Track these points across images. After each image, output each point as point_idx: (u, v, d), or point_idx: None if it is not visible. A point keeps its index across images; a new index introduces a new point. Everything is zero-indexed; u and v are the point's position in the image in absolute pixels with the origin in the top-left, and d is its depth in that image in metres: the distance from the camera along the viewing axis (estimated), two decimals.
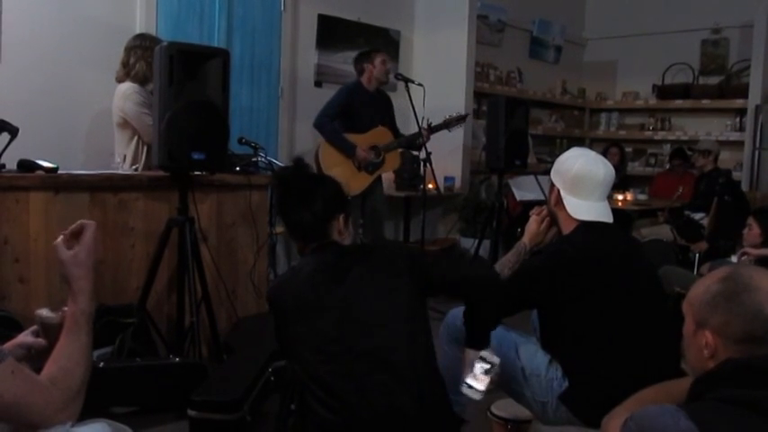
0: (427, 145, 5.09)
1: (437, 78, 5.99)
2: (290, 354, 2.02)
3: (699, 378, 1.42)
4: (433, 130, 5.16)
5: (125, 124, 3.83)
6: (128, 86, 3.80)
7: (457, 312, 2.37)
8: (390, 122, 5.29)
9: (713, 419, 1.28)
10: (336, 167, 4.92)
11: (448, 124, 5.26)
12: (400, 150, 5.36)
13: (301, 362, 1.94)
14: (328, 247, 2.05)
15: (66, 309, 1.64)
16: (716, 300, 1.42)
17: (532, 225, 2.53)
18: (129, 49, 3.85)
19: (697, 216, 5.79)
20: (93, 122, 4.43)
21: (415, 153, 5.69)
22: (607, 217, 2.29)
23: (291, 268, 2.10)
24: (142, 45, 3.82)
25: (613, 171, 2.32)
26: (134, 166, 3.79)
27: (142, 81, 3.81)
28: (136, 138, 3.82)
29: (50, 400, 1.37)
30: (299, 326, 1.94)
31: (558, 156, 2.45)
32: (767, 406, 1.27)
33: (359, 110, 5.09)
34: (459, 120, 5.35)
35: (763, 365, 1.33)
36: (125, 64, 3.84)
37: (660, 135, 7.88)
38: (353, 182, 4.86)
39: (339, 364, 1.87)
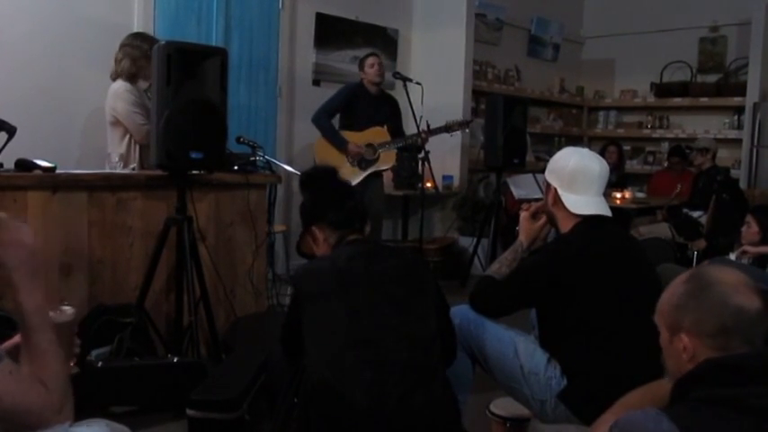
0: (425, 144, 5.12)
1: (435, 77, 6.00)
2: (301, 340, 1.98)
3: (679, 380, 1.43)
4: (432, 132, 5.20)
5: (117, 123, 3.83)
6: (119, 85, 3.81)
7: (456, 311, 2.37)
8: (395, 126, 5.32)
9: (694, 420, 1.30)
10: (329, 161, 4.98)
11: (449, 128, 5.29)
12: (395, 149, 5.39)
13: (314, 350, 1.93)
14: (364, 240, 2.13)
15: (64, 308, 1.63)
16: (682, 301, 1.44)
17: (524, 222, 2.54)
18: (120, 47, 3.88)
19: (695, 214, 5.80)
20: (91, 122, 4.42)
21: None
22: (605, 211, 2.30)
23: (322, 258, 2.11)
24: (131, 43, 3.85)
25: (608, 166, 2.35)
26: (131, 166, 3.79)
27: (129, 78, 3.83)
28: (128, 136, 3.83)
29: (49, 401, 1.36)
30: (321, 309, 1.93)
31: None
32: (747, 403, 1.28)
33: (358, 109, 5.15)
34: (462, 125, 5.37)
35: (739, 363, 1.35)
36: (116, 61, 3.86)
37: (658, 133, 7.88)
38: (343, 174, 4.92)
39: (356, 353, 1.86)
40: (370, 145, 5.17)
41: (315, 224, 2.16)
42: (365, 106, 5.19)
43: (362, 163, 5.20)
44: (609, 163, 2.40)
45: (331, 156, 5.08)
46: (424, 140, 5.12)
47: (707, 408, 1.30)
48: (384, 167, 5.33)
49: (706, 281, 1.43)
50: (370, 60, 5.23)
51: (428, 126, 5.18)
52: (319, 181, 2.24)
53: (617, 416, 1.45)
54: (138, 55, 3.78)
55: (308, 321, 1.96)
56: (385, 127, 5.24)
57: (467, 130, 5.71)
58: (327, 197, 2.18)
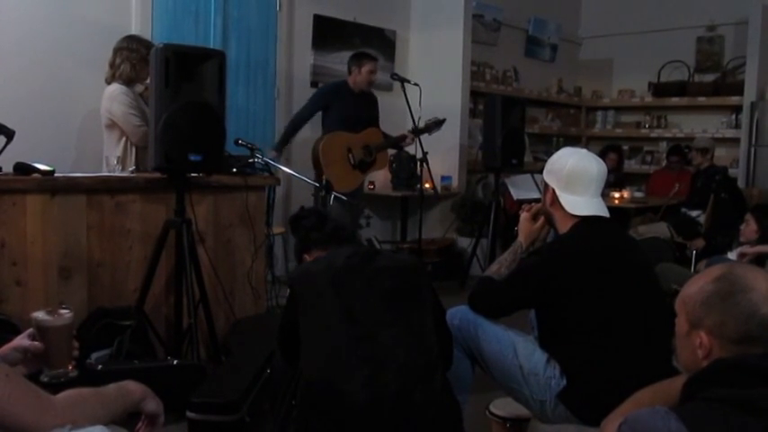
0: (424, 145, 5.16)
1: (433, 78, 6.00)
2: (298, 341, 1.98)
3: (690, 379, 1.42)
4: (416, 133, 5.22)
5: (113, 126, 3.83)
6: (115, 88, 3.81)
7: (456, 312, 2.37)
8: (376, 122, 5.34)
9: (703, 420, 1.28)
10: (333, 165, 5.00)
11: (428, 129, 5.30)
12: (389, 150, 5.43)
13: (311, 349, 1.93)
14: (359, 244, 2.21)
15: (62, 312, 1.63)
16: (710, 300, 1.41)
17: (524, 223, 2.54)
18: (116, 51, 3.87)
19: (694, 213, 5.81)
20: (89, 124, 4.42)
21: (413, 153, 5.71)
22: (603, 212, 2.31)
23: (318, 259, 2.12)
24: (129, 47, 3.84)
25: (605, 167, 2.36)
26: (130, 168, 3.79)
27: (127, 82, 3.83)
28: (124, 139, 3.82)
29: (47, 406, 1.36)
30: (318, 308, 1.93)
31: None
32: (757, 405, 1.27)
33: (343, 108, 5.13)
34: (438, 124, 5.38)
35: (753, 365, 1.33)
36: (111, 65, 3.85)
37: (656, 133, 7.90)
38: (348, 180, 5.03)
39: (353, 350, 1.85)
40: (366, 146, 5.17)
41: (306, 253, 2.29)
42: (350, 105, 5.16)
43: (362, 165, 5.20)
44: (608, 168, 2.40)
45: (335, 159, 5.04)
46: (411, 141, 5.24)
47: (716, 408, 1.29)
48: (380, 169, 5.36)
49: (738, 285, 1.39)
50: (371, 66, 5.14)
51: (414, 129, 5.23)
52: (306, 221, 2.34)
53: (627, 413, 1.44)
54: (137, 59, 3.78)
55: (305, 321, 1.96)
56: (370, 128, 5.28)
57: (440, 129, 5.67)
58: (317, 235, 2.28)
